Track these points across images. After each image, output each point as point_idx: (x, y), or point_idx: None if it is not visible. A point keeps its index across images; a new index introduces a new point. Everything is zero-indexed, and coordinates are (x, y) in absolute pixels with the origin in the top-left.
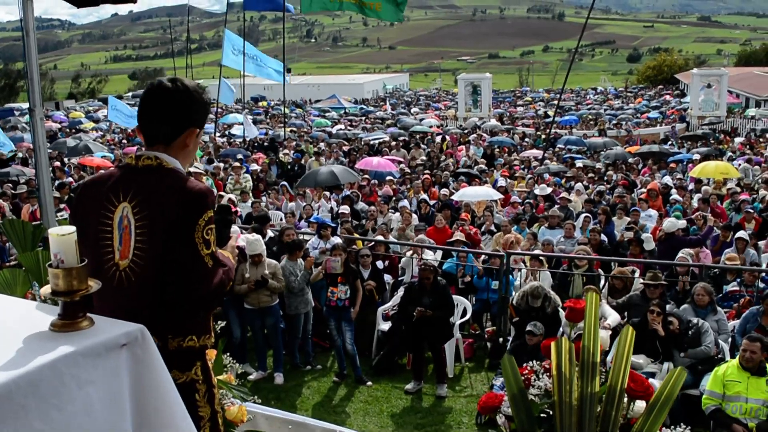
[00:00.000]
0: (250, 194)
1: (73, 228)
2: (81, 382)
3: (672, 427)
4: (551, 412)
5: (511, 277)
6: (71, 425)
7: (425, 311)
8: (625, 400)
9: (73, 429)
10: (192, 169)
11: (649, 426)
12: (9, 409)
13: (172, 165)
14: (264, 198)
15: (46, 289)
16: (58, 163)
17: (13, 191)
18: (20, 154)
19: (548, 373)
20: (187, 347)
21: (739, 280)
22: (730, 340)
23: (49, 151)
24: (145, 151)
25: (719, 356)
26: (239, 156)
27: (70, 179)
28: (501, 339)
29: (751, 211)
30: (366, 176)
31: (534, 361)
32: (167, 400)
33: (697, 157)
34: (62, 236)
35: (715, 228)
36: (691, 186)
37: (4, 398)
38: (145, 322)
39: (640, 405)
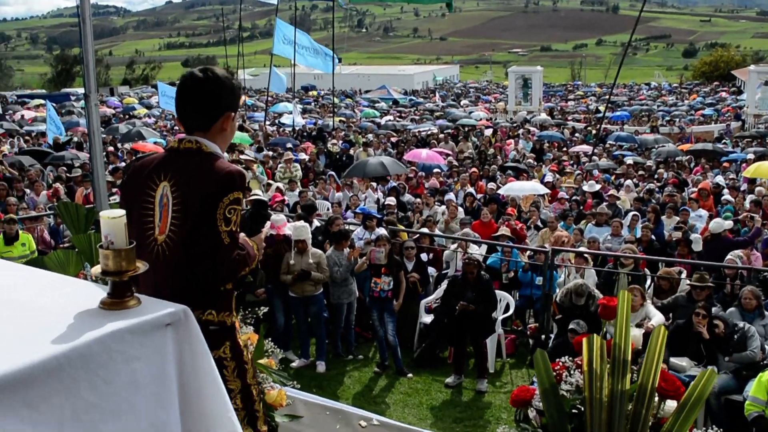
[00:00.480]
0: (299, 183)
1: (122, 211)
2: (127, 358)
3: (703, 429)
4: (582, 409)
5: (555, 273)
6: (118, 397)
7: (468, 305)
8: (656, 399)
9: (121, 401)
10: (243, 157)
11: (679, 426)
12: (61, 380)
13: (211, 149)
14: (311, 187)
15: (96, 269)
16: (111, 148)
17: (67, 174)
18: (75, 139)
19: (580, 369)
20: (205, 320)
21: None
22: None
23: (103, 136)
24: (186, 135)
25: (765, 362)
26: (288, 145)
27: (123, 164)
28: (543, 336)
29: None
30: (413, 168)
31: (567, 357)
32: (208, 378)
33: (751, 156)
34: (113, 219)
35: (766, 230)
36: (744, 186)
37: (56, 370)
38: (174, 292)
39: (671, 404)
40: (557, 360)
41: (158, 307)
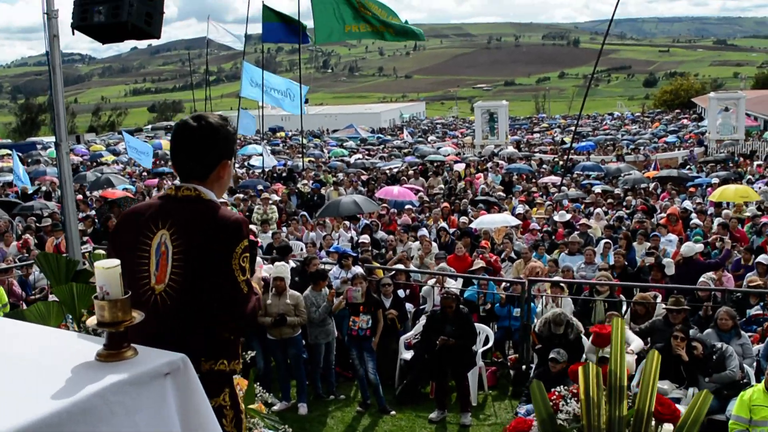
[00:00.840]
0: (273, 225)
1: (117, 261)
2: (128, 410)
3: None
4: None
5: (532, 304)
6: None
7: (448, 339)
8: (653, 423)
9: None
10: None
11: None
12: None
13: (209, 197)
14: (284, 228)
15: (92, 320)
16: (80, 196)
17: (37, 224)
18: (43, 188)
19: (576, 398)
20: (218, 371)
21: (762, 303)
22: (755, 364)
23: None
24: (183, 183)
25: (744, 381)
26: (260, 187)
27: (93, 212)
28: (524, 366)
29: None
30: (385, 205)
31: (562, 386)
32: (208, 426)
33: (716, 180)
34: (108, 269)
35: (735, 251)
36: (710, 210)
37: (57, 426)
38: (180, 344)
39: (668, 428)
40: (552, 390)
41: (155, 356)
